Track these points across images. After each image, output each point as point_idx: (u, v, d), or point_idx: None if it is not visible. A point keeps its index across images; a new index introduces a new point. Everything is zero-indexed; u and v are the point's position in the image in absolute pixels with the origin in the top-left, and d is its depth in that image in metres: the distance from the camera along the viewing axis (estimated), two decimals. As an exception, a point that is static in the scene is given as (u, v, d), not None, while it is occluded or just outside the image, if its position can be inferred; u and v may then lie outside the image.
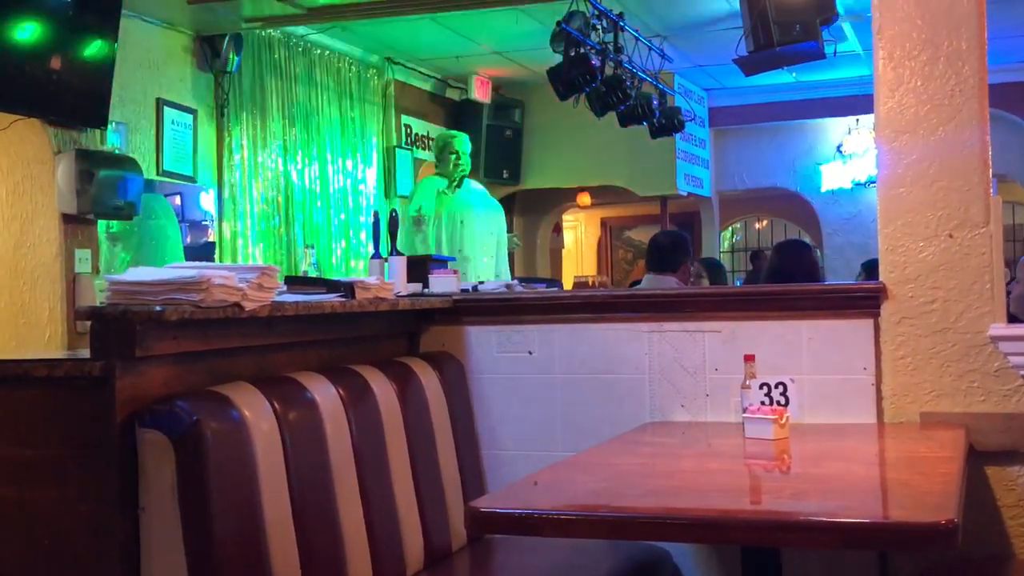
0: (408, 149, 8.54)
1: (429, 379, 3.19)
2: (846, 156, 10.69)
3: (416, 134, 8.72)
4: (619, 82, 6.60)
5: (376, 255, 3.79)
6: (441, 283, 3.65)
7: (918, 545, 2.31)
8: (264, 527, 2.32)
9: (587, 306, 3.39)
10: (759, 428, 2.74)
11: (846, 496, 2.26)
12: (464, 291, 3.71)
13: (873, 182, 8.45)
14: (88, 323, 2.30)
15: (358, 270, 7.44)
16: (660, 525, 2.09)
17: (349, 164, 7.76)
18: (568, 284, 10.81)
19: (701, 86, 9.96)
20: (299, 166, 7.23)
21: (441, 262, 4.11)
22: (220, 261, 6.42)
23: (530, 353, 3.39)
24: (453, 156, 6.37)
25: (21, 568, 2.26)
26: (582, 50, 6.12)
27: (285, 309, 2.65)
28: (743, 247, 13.55)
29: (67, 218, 5.26)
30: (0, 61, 4.78)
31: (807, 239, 10.57)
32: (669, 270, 4.89)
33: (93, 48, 5.24)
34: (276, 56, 7.07)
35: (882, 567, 3.01)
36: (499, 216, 6.76)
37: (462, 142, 6.47)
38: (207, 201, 6.58)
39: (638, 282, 6.22)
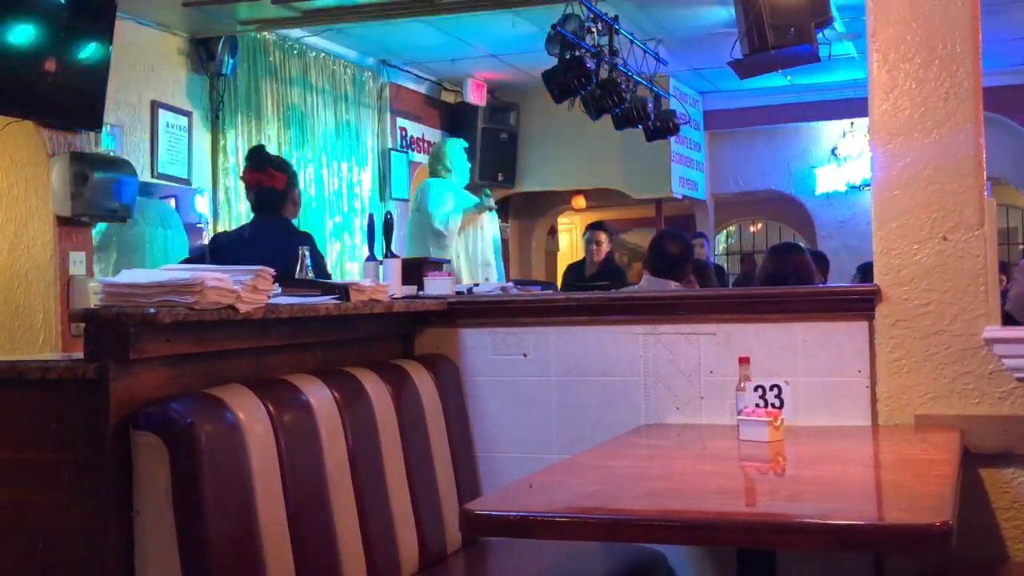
0: (403, 152, 8.54)
1: (424, 381, 3.19)
2: (841, 159, 10.70)
3: (411, 137, 8.72)
4: (614, 85, 6.59)
5: (371, 257, 3.79)
6: (436, 285, 3.64)
7: (913, 547, 2.30)
8: (258, 530, 2.32)
9: (582, 308, 3.38)
10: (754, 430, 2.74)
11: (841, 498, 2.26)
12: (459, 293, 3.71)
13: (868, 185, 8.47)
14: (82, 325, 2.30)
15: (353, 272, 7.43)
16: (655, 527, 2.08)
17: (344, 167, 7.75)
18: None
19: (696, 89, 9.97)
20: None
21: (436, 264, 4.11)
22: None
23: (525, 355, 3.39)
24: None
25: (15, 571, 2.25)
26: (577, 53, 6.12)
27: (279, 311, 2.65)
28: (738, 250, 13.55)
29: (61, 221, 5.26)
30: (-5, 64, 4.78)
31: (802, 242, 10.57)
32: (675, 279, 4.85)
33: (88, 50, 5.22)
34: (271, 59, 7.06)
35: (877, 569, 3.01)
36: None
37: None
38: (202, 204, 6.57)
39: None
